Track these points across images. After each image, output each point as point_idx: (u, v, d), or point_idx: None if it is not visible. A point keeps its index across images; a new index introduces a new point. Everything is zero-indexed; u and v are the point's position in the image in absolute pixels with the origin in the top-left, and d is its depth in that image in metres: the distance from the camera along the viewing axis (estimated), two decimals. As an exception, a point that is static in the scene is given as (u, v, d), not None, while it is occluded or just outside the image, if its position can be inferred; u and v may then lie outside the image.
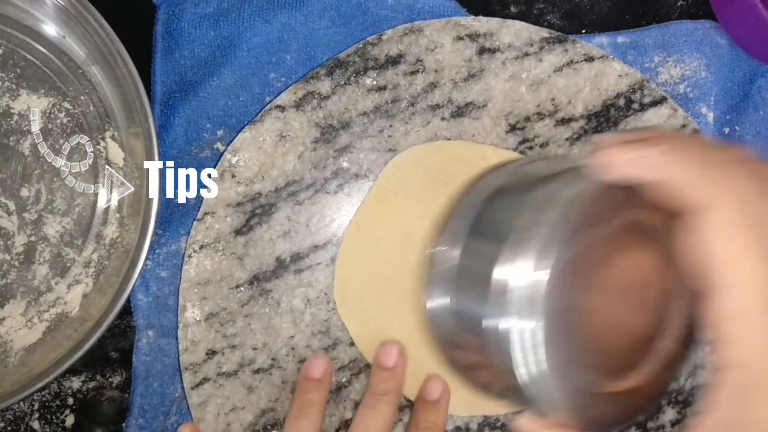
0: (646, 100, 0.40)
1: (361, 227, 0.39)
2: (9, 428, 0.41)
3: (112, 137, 0.40)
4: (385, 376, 0.38)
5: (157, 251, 0.40)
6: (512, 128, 0.40)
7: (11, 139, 0.40)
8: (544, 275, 0.26)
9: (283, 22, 0.40)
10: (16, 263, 0.39)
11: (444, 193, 0.39)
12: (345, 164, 0.39)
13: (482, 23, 0.39)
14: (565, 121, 0.40)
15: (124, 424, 0.40)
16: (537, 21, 0.42)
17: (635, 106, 0.40)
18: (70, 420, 0.41)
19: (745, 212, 0.22)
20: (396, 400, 0.38)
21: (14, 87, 0.40)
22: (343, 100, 0.39)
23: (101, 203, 0.40)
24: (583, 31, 0.42)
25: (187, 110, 0.40)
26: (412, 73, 0.39)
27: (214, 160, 0.40)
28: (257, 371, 0.39)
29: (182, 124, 0.40)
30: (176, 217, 0.40)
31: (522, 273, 0.26)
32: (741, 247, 0.22)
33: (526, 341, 0.26)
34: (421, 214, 0.39)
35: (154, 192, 0.36)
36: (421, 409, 0.38)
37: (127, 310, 0.40)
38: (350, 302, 0.39)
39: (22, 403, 0.41)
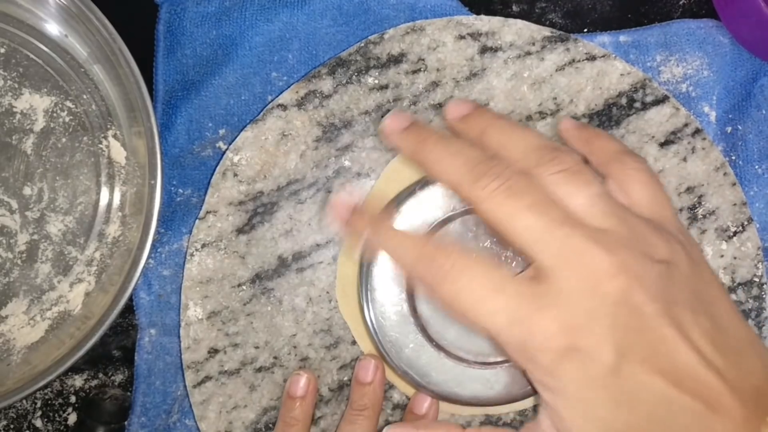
0: (648, 99, 0.40)
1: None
2: (11, 426, 0.41)
3: (114, 136, 0.40)
4: (363, 391, 0.38)
5: (159, 250, 0.40)
6: (514, 127, 0.40)
7: (14, 137, 0.40)
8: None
9: (285, 21, 0.40)
10: (19, 262, 0.40)
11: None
12: (347, 163, 0.39)
13: (484, 22, 0.39)
14: (566, 120, 0.40)
15: (126, 422, 0.40)
16: (539, 20, 0.42)
17: (637, 105, 0.40)
18: (72, 418, 0.41)
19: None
20: (375, 413, 0.38)
21: (17, 86, 0.40)
22: (345, 99, 0.39)
23: (103, 202, 0.40)
24: (585, 30, 0.42)
25: (189, 109, 0.40)
26: (414, 72, 0.39)
27: (216, 158, 0.40)
28: (259, 370, 0.39)
29: (184, 122, 0.40)
30: (178, 215, 0.40)
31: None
32: None
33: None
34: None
35: (156, 191, 0.36)
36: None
37: (129, 309, 0.41)
38: (352, 301, 0.39)
39: (24, 401, 0.41)
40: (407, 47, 0.39)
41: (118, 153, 0.40)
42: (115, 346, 0.42)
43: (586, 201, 0.28)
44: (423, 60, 0.39)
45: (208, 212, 0.39)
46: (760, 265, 0.40)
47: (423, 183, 0.36)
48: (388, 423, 0.40)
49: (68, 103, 0.40)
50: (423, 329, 0.35)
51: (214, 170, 0.39)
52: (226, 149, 0.39)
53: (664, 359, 0.26)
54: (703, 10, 0.43)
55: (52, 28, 0.40)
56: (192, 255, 0.39)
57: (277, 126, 0.39)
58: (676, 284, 0.27)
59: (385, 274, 0.35)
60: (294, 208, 0.39)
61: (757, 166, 0.41)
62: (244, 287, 0.39)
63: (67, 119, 0.40)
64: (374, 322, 0.36)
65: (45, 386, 0.40)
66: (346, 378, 0.40)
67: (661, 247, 0.28)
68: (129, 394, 0.41)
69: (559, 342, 0.26)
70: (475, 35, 0.39)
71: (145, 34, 0.41)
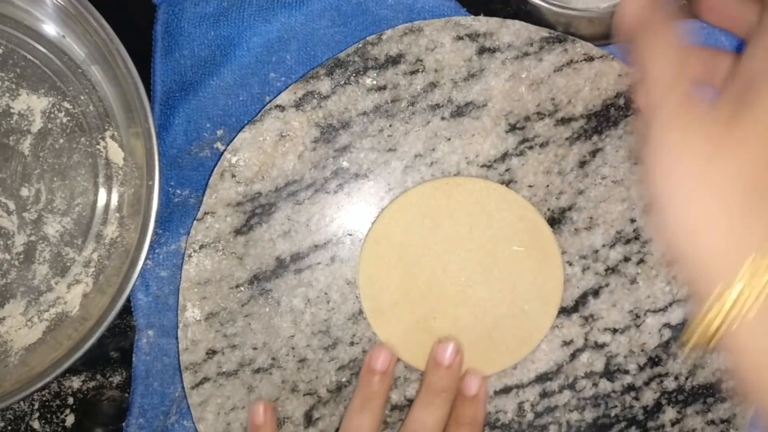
0: (646, 99, 0.40)
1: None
2: (9, 428, 0.41)
3: (112, 137, 0.40)
4: (441, 374, 0.38)
5: (157, 251, 0.40)
6: (512, 128, 0.40)
7: (11, 138, 0.40)
8: None
9: (283, 21, 0.40)
10: (16, 263, 0.40)
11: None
12: (345, 164, 0.39)
13: (482, 23, 0.39)
14: (565, 121, 0.40)
15: (124, 424, 0.40)
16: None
17: (635, 105, 0.40)
18: (70, 419, 0.41)
19: None
20: (451, 397, 0.38)
21: (14, 87, 0.40)
22: (343, 99, 0.39)
23: (101, 203, 0.40)
24: (583, 30, 0.42)
25: (186, 110, 0.40)
26: (412, 72, 0.39)
27: (214, 159, 0.40)
28: (257, 371, 0.39)
29: (182, 123, 0.40)
30: (176, 216, 0.40)
31: None
32: None
33: None
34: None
35: (153, 191, 0.36)
36: (460, 405, 0.38)
37: (127, 310, 0.40)
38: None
39: (22, 403, 0.41)
40: (405, 48, 0.39)
41: (116, 154, 0.40)
42: (113, 348, 0.42)
43: None
44: (421, 61, 0.39)
45: (206, 213, 0.39)
46: (758, 266, 0.40)
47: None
48: (387, 423, 0.40)
49: (66, 104, 0.40)
50: None
51: (212, 171, 0.39)
52: (224, 150, 0.39)
53: None
54: (701, 10, 0.43)
55: (50, 29, 0.40)
56: (190, 256, 0.39)
57: (275, 127, 0.39)
58: None
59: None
60: (292, 209, 0.39)
61: (755, 167, 0.41)
62: (242, 288, 0.39)
63: (64, 120, 0.40)
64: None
65: (43, 388, 0.40)
66: (344, 379, 0.40)
67: None
68: (127, 395, 0.41)
69: None
70: (473, 36, 0.39)
71: (143, 34, 0.41)
